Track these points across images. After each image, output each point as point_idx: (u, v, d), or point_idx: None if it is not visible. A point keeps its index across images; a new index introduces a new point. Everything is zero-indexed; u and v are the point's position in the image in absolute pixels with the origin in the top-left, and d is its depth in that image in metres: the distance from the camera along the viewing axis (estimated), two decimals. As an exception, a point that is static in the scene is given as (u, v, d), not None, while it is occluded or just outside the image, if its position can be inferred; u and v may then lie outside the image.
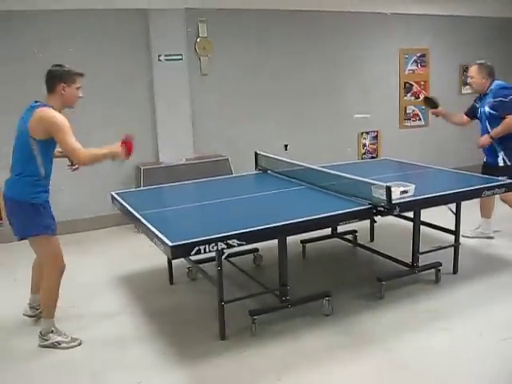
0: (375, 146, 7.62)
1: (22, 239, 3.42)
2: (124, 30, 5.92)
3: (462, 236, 4.87)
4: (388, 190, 3.39)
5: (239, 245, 3.08)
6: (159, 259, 4.77)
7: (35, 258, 3.65)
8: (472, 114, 4.99)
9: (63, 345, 3.40)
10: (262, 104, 6.76)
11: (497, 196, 4.62)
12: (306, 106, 7.02)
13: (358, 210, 3.50)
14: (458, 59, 7.91)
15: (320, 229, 3.73)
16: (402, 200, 3.60)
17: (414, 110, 7.78)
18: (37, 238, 3.32)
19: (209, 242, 2.97)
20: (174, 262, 4.31)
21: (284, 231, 3.28)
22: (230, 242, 3.02)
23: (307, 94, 6.99)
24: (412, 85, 7.68)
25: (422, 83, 7.73)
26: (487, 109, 4.67)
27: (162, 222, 3.37)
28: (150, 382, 3.02)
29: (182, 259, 4.30)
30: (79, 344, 3.43)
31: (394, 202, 3.42)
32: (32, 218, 3.27)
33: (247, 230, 3.09)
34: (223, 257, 3.28)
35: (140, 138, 6.14)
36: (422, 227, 4.22)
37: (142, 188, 4.82)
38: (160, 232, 3.09)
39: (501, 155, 4.69)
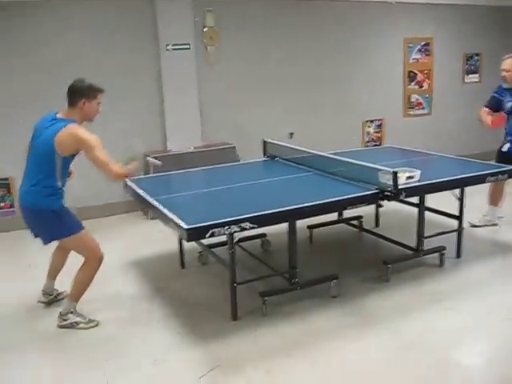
0: (379, 135, 7.71)
1: (49, 243, 3.55)
2: (132, 19, 5.99)
3: (470, 225, 4.99)
4: (395, 175, 3.49)
5: (251, 228, 3.19)
6: (169, 244, 4.93)
7: (56, 246, 3.77)
8: (494, 106, 4.96)
9: (81, 325, 3.52)
10: (267, 93, 6.84)
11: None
12: (312, 94, 7.10)
13: (366, 195, 3.61)
14: (462, 48, 7.98)
15: (329, 212, 3.86)
16: (408, 185, 3.71)
17: (417, 99, 7.86)
18: (69, 239, 3.46)
19: (222, 224, 3.08)
20: (185, 246, 4.47)
21: (294, 215, 3.39)
22: (242, 225, 3.13)
23: (312, 83, 7.07)
24: (416, 74, 7.76)
25: (426, 72, 7.81)
26: None
27: (175, 206, 3.47)
28: (165, 360, 3.14)
29: (194, 244, 4.46)
30: (96, 325, 3.56)
31: (400, 186, 3.53)
32: (56, 223, 3.39)
33: (259, 213, 3.21)
34: (235, 240, 3.40)
35: (148, 127, 6.30)
36: (426, 212, 4.33)
37: (153, 175, 4.92)
38: (175, 216, 3.20)
39: None
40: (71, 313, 3.54)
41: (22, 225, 3.66)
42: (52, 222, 3.38)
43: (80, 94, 3.40)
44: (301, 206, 3.34)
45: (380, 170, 3.70)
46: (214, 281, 4.23)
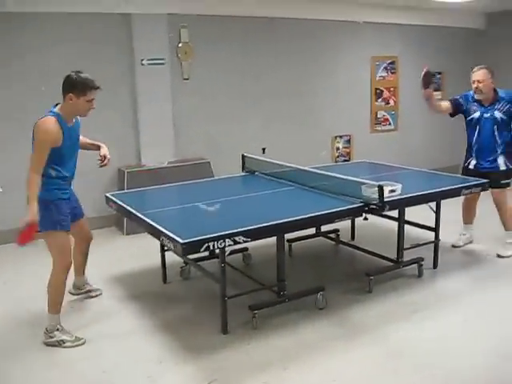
0: (348, 150, 7.90)
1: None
2: (108, 34, 5.98)
3: (453, 246, 5.14)
4: (380, 188, 3.61)
5: (244, 241, 3.23)
6: (148, 260, 4.94)
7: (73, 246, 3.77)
8: (455, 107, 4.99)
9: (67, 344, 3.46)
10: (241, 108, 6.93)
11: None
12: (283, 110, 7.23)
13: (352, 208, 3.71)
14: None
15: (319, 225, 3.95)
16: (392, 198, 3.83)
17: (384, 115, 8.11)
18: (45, 233, 3.43)
19: (217, 238, 3.11)
20: (166, 261, 4.46)
21: (286, 228, 3.45)
22: (236, 238, 3.17)
23: (283, 99, 7.20)
24: (382, 91, 8.01)
25: (392, 89, 8.07)
26: (498, 114, 4.72)
27: (164, 221, 3.48)
28: (160, 376, 3.12)
29: (174, 259, 4.46)
30: (83, 343, 3.49)
31: (386, 200, 3.65)
32: (42, 212, 3.34)
33: (252, 227, 3.25)
34: (226, 254, 3.43)
35: (122, 141, 6.25)
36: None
37: (136, 189, 4.88)
38: (168, 230, 3.21)
39: (501, 159, 4.79)
40: (57, 330, 3.48)
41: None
42: (40, 211, 3.31)
43: (69, 86, 3.36)
44: (291, 219, 3.41)
45: (364, 183, 3.81)
46: (198, 295, 4.24)
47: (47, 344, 3.46)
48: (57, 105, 3.45)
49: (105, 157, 3.78)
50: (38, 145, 3.32)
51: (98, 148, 3.84)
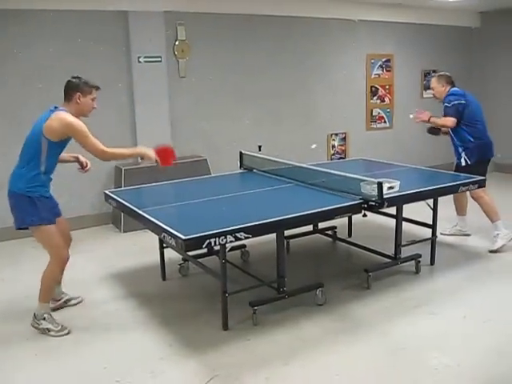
0: (344, 147, 7.93)
1: (20, 229, 3.59)
2: (104, 31, 5.97)
3: (441, 234, 5.21)
4: (380, 185, 3.63)
5: (246, 238, 3.24)
6: (146, 257, 4.95)
7: None
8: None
9: (52, 333, 3.55)
10: (237, 105, 6.94)
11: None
12: (279, 107, 7.25)
13: (352, 205, 3.73)
14: (421, 65, 8.35)
15: (319, 222, 3.98)
16: (390, 195, 3.85)
17: (379, 113, 8.15)
18: (33, 228, 3.51)
19: (219, 235, 3.12)
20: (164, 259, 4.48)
21: (286, 224, 3.47)
22: (237, 234, 3.18)
23: (280, 97, 7.22)
24: (378, 88, 8.05)
25: (387, 87, 8.12)
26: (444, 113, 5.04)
27: (165, 218, 3.48)
28: (161, 372, 3.12)
29: (172, 256, 4.47)
30: (67, 333, 3.57)
31: (385, 196, 3.67)
32: (27, 209, 3.45)
33: (253, 223, 3.26)
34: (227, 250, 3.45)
35: (119, 139, 6.22)
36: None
37: (135, 187, 4.88)
38: (170, 227, 3.22)
39: (463, 155, 5.00)
40: (44, 319, 3.56)
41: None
42: (24, 207, 3.45)
43: (75, 88, 3.52)
44: (292, 215, 3.42)
45: (363, 180, 3.83)
46: (197, 292, 4.25)
47: (34, 327, 3.57)
48: (56, 107, 3.50)
49: (86, 163, 3.89)
50: (81, 132, 3.40)
51: (77, 159, 3.90)
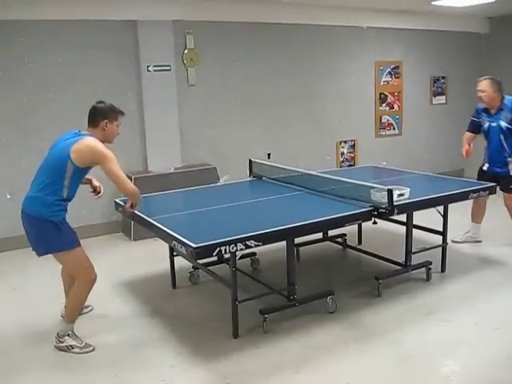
0: (353, 155, 7.92)
1: (43, 255, 3.48)
2: (114, 41, 6.02)
3: (452, 241, 5.17)
4: (390, 192, 3.63)
5: (256, 245, 3.25)
6: (156, 265, 4.97)
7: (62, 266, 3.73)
8: (475, 129, 5.14)
9: (76, 349, 3.46)
10: (246, 113, 6.96)
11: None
12: (287, 115, 7.26)
13: (362, 212, 3.73)
14: (429, 71, 8.33)
15: (329, 229, 3.98)
16: (400, 202, 3.84)
17: (388, 120, 8.13)
18: (61, 253, 3.40)
19: (229, 243, 3.13)
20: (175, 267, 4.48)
21: (296, 232, 3.47)
22: (248, 242, 3.19)
23: (288, 104, 7.23)
24: (387, 95, 8.04)
25: (396, 94, 8.10)
26: (504, 123, 4.85)
27: (176, 226, 3.50)
28: (171, 380, 3.13)
29: (182, 264, 4.48)
30: (92, 350, 3.49)
31: (395, 203, 3.66)
32: (53, 234, 3.34)
33: (263, 231, 3.27)
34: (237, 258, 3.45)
35: (129, 148, 6.28)
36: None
37: (145, 195, 4.86)
38: (180, 235, 3.23)
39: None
40: (68, 335, 3.49)
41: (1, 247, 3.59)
42: (49, 233, 3.33)
43: (102, 114, 3.44)
44: (302, 223, 3.43)
45: (373, 187, 3.83)
46: (208, 300, 4.25)
47: (57, 348, 3.48)
48: (79, 131, 3.44)
49: (100, 187, 3.84)
50: (107, 158, 3.28)
51: (91, 182, 3.84)
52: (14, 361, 3.43)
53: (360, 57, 7.73)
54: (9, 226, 5.47)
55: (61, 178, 3.32)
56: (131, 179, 6.01)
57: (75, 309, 3.53)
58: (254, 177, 5.21)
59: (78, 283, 3.50)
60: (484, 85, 4.88)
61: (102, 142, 3.42)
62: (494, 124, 4.93)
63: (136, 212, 3.85)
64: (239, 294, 3.57)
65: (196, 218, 3.93)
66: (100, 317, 4.01)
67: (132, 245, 5.86)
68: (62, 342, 3.48)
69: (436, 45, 8.20)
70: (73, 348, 3.47)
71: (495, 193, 4.61)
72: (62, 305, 3.88)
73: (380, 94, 7.98)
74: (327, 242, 5.28)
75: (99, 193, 3.86)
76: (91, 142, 3.33)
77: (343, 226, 3.73)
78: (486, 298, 4.10)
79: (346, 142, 7.83)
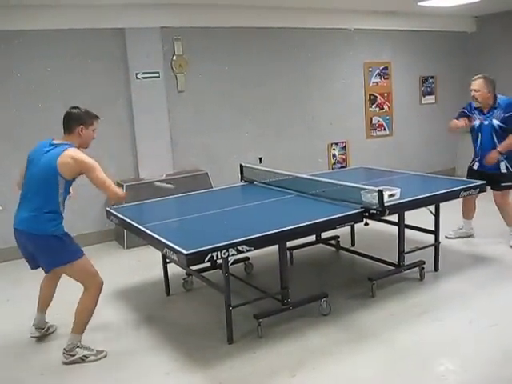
0: (344, 156, 7.93)
1: (50, 270, 3.47)
2: (102, 49, 6.01)
3: (446, 237, 5.20)
4: (380, 193, 3.64)
5: (248, 250, 3.24)
6: (150, 273, 4.96)
7: (44, 276, 3.70)
8: (464, 118, 5.09)
9: (91, 357, 3.42)
10: (236, 118, 6.96)
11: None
12: (278, 118, 7.27)
13: (353, 214, 3.73)
14: (418, 71, 8.37)
15: (320, 232, 3.96)
16: (391, 203, 3.86)
17: (379, 121, 8.15)
18: (69, 265, 3.37)
19: (220, 248, 3.12)
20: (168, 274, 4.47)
21: (288, 235, 3.47)
22: (239, 247, 3.18)
23: (278, 108, 7.24)
24: (376, 96, 8.06)
25: (386, 95, 8.13)
26: (496, 122, 4.84)
27: (167, 233, 3.49)
28: (168, 387, 3.13)
29: (175, 271, 4.47)
30: (105, 356, 3.47)
31: (386, 204, 3.67)
32: (58, 248, 3.32)
33: (254, 236, 3.27)
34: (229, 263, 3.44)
35: (120, 155, 6.28)
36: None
37: (136, 203, 4.88)
38: (171, 242, 3.22)
39: (503, 163, 4.93)
40: (78, 347, 3.43)
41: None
42: (56, 248, 3.31)
43: (77, 120, 3.41)
44: (294, 226, 3.43)
45: (364, 189, 3.84)
46: (202, 306, 4.25)
47: (69, 363, 3.40)
48: (53, 139, 3.40)
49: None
50: (92, 167, 3.29)
51: None
52: (8, 372, 3.40)
53: (349, 59, 7.76)
54: (1, 238, 5.45)
55: (56, 194, 3.31)
56: (123, 187, 6.01)
57: (86, 318, 3.46)
58: (245, 181, 5.21)
59: (87, 292, 3.46)
60: (478, 84, 4.87)
61: (79, 148, 3.40)
62: (486, 122, 4.94)
63: (128, 220, 3.85)
64: (233, 300, 3.56)
65: (188, 225, 3.93)
66: (95, 325, 3.96)
67: (125, 253, 5.85)
68: (74, 355, 3.40)
69: (424, 45, 8.25)
70: (87, 357, 3.42)
71: (486, 191, 4.63)
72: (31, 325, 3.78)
73: (370, 95, 8.01)
74: (320, 244, 5.28)
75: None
76: (73, 153, 3.29)
77: (335, 228, 3.73)
78: (480, 296, 4.11)
79: (337, 144, 7.85)
